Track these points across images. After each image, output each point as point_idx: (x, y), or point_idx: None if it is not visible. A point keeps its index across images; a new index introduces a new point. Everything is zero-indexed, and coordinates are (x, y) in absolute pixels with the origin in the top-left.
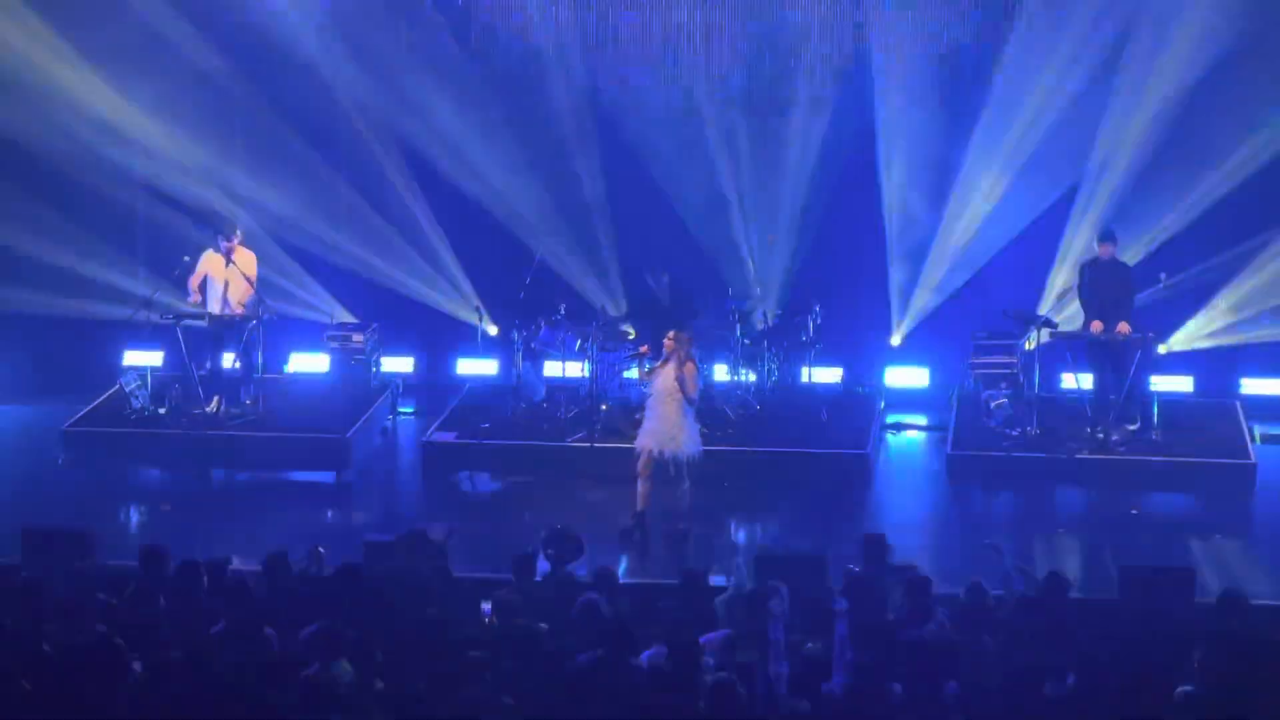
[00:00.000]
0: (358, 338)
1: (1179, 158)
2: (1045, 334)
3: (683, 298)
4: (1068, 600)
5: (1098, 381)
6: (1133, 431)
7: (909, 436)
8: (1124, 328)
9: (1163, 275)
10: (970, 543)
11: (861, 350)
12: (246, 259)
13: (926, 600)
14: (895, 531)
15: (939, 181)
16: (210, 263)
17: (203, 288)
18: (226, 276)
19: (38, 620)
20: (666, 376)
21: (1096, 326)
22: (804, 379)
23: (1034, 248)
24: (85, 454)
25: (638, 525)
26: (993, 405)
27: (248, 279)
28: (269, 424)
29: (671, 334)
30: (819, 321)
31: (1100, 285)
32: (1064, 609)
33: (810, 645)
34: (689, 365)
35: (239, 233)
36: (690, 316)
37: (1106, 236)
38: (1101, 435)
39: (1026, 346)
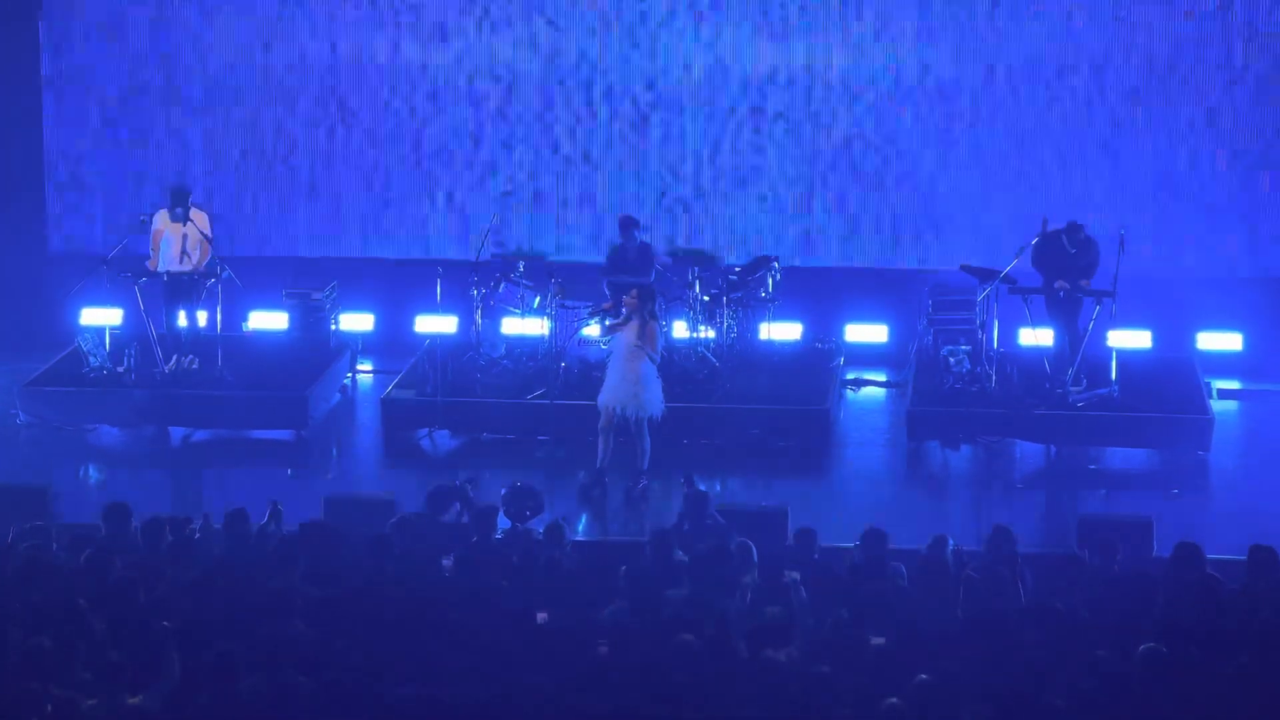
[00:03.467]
0: (316, 295)
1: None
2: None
3: (646, 254)
4: (1014, 554)
5: (1056, 337)
6: (1093, 392)
7: (869, 392)
8: (1085, 284)
9: None
10: (929, 498)
11: (821, 306)
12: (201, 218)
13: (883, 554)
14: (855, 487)
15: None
16: (164, 222)
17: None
18: (184, 232)
19: None
20: (629, 335)
21: (1061, 284)
22: (763, 336)
23: (1000, 201)
24: (42, 412)
25: (597, 482)
26: (951, 361)
27: (205, 236)
28: (227, 382)
29: (633, 292)
30: (778, 278)
31: (1057, 255)
32: (1010, 563)
33: (771, 609)
34: (650, 324)
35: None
36: (650, 273)
37: (1075, 230)
38: (1060, 392)
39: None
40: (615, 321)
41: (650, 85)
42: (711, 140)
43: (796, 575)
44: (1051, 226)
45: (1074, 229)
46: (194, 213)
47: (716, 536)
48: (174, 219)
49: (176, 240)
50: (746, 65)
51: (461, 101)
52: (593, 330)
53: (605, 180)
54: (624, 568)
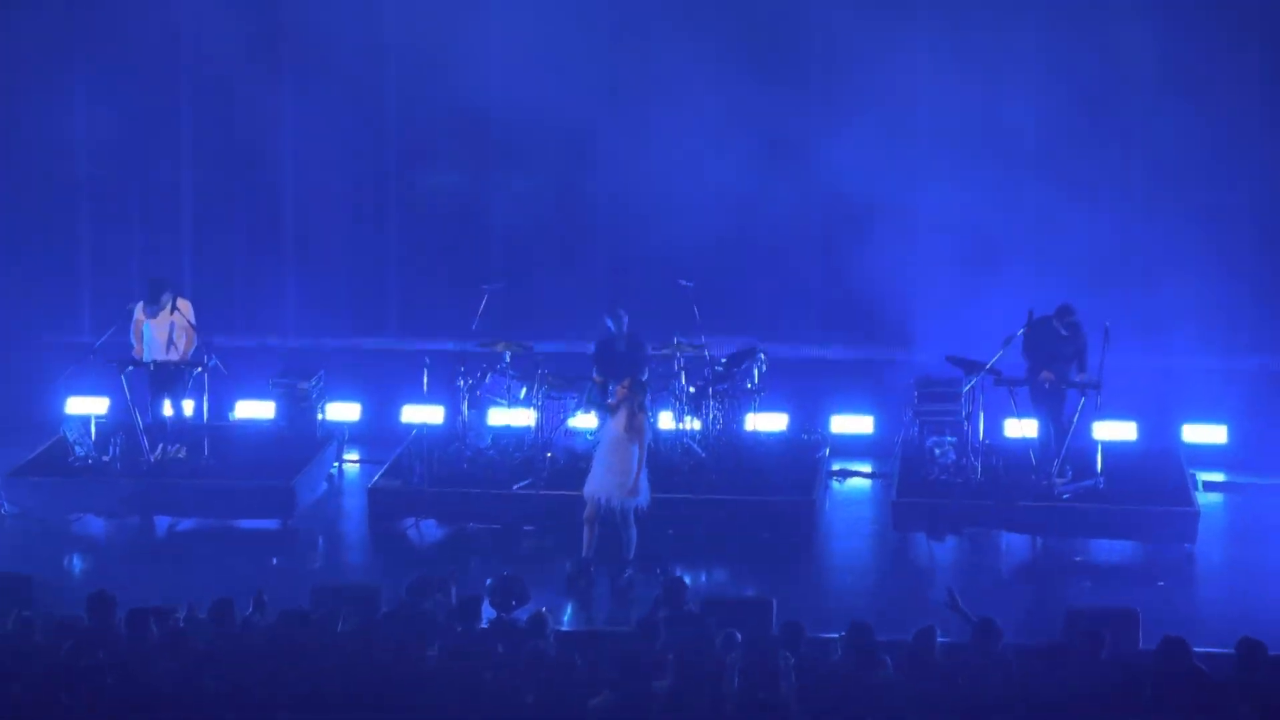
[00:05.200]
0: (303, 385)
1: None
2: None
3: (636, 345)
4: (999, 647)
5: (1041, 428)
6: (1079, 484)
7: (854, 483)
8: (1083, 376)
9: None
10: (915, 589)
11: (807, 397)
12: (186, 307)
13: (869, 646)
14: (841, 578)
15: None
16: (142, 313)
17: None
18: (171, 321)
19: None
20: (616, 424)
21: (1047, 375)
22: (748, 426)
23: (985, 292)
24: (26, 502)
25: (582, 572)
26: (937, 452)
27: (191, 325)
28: (213, 471)
29: (625, 382)
30: (763, 369)
31: (1049, 341)
32: (995, 655)
33: (761, 694)
34: (639, 416)
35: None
36: (643, 364)
37: (1066, 313)
38: (1046, 483)
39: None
40: (611, 401)
41: (636, 170)
42: (698, 227)
43: (791, 658)
44: (1038, 314)
45: (1065, 311)
46: (179, 302)
47: (693, 625)
48: (149, 315)
49: (162, 329)
50: (733, 151)
51: (451, 182)
52: (580, 421)
53: (592, 268)
54: (610, 657)
